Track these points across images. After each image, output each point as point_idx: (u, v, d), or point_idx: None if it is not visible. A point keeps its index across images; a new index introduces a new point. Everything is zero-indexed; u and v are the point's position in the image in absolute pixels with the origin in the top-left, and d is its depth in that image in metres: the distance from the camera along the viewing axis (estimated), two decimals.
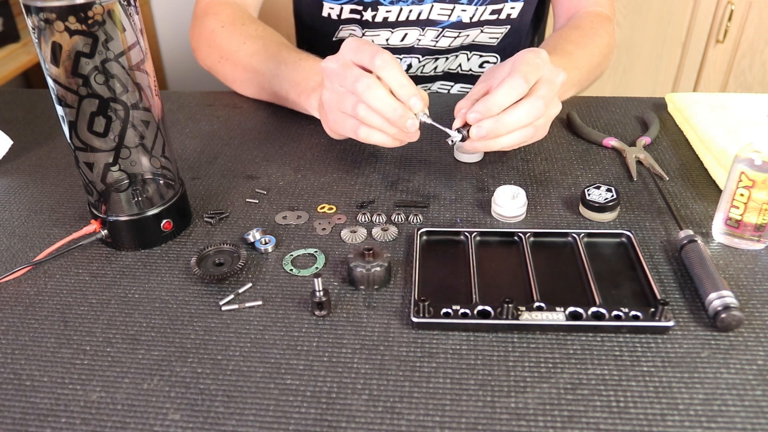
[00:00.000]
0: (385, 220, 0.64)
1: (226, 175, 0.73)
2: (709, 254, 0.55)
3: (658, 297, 0.51)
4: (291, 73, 0.78)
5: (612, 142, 0.75)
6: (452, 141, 0.62)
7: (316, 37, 1.01)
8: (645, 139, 0.75)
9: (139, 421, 0.44)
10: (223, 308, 0.54)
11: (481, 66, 1.02)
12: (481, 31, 0.96)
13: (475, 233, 0.60)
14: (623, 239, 0.60)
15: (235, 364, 0.49)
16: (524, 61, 0.60)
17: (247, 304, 0.54)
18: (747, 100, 0.78)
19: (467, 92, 0.65)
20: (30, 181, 0.72)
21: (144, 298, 0.55)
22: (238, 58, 0.84)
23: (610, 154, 0.75)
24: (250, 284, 0.56)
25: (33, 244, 0.62)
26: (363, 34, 0.96)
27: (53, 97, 0.55)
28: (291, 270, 0.58)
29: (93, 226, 0.60)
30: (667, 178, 0.70)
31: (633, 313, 0.50)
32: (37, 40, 0.52)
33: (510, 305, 0.50)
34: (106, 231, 0.60)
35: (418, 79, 1.03)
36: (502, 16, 0.95)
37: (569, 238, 0.60)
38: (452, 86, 1.05)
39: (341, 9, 0.94)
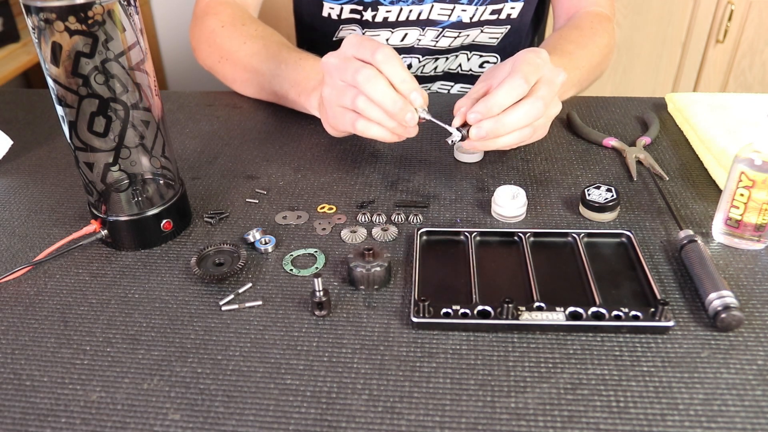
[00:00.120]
0: (385, 220, 0.64)
1: (226, 175, 0.73)
2: (709, 254, 0.55)
3: (658, 297, 0.51)
4: (291, 72, 0.78)
5: (612, 142, 0.75)
6: (452, 141, 0.62)
7: (317, 37, 1.01)
8: (645, 139, 0.75)
9: (139, 421, 0.44)
10: (223, 308, 0.54)
11: (481, 66, 1.02)
12: (481, 31, 0.96)
13: (475, 233, 0.60)
14: (623, 239, 0.60)
15: (235, 364, 0.49)
16: (524, 61, 0.60)
17: (247, 304, 0.54)
18: (747, 100, 0.78)
19: (467, 92, 0.65)
20: (30, 181, 0.72)
21: (144, 298, 0.55)
22: (239, 58, 0.84)
23: (610, 154, 0.75)
24: (250, 284, 0.56)
25: (33, 244, 0.62)
26: (363, 34, 0.96)
27: (53, 97, 0.55)
28: (291, 270, 0.58)
29: (93, 226, 0.60)
30: (667, 178, 0.70)
31: (633, 313, 0.50)
32: (37, 40, 0.52)
33: (510, 305, 0.50)
34: (106, 231, 0.60)
35: (418, 80, 1.02)
36: (502, 16, 0.95)
37: (569, 238, 0.60)
38: (452, 86, 1.05)
39: (341, 9, 0.94)
